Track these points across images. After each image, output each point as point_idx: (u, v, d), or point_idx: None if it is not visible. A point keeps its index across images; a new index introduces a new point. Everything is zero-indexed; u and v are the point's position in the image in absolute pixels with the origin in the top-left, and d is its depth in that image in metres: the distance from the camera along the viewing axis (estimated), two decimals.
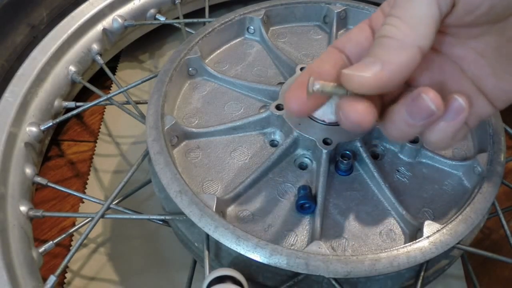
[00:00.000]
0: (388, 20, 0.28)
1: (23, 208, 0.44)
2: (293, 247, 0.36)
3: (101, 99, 0.51)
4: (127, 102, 0.51)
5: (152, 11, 0.62)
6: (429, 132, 0.30)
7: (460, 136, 0.31)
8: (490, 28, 0.29)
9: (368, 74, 0.27)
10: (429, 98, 0.28)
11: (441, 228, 0.36)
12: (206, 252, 0.37)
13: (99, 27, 0.58)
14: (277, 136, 0.43)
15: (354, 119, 0.29)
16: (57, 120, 0.51)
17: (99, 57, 0.57)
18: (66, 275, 0.47)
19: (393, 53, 0.27)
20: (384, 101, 0.32)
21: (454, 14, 0.28)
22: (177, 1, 0.63)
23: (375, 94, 0.28)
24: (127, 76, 0.66)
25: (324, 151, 0.39)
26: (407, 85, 0.32)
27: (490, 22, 0.28)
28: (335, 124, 0.40)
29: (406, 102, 0.29)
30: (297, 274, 0.36)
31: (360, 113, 0.28)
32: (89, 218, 0.46)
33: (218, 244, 0.37)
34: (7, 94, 0.48)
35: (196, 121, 0.45)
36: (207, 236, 0.37)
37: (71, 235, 0.47)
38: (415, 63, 0.27)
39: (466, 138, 0.44)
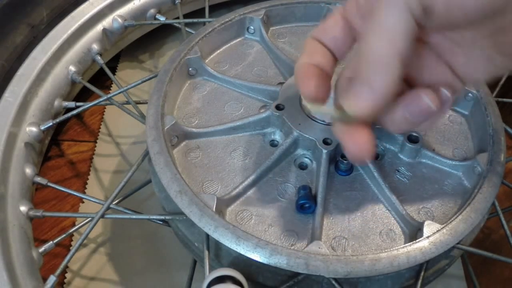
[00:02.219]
0: (366, 36, 0.28)
1: (23, 208, 0.44)
2: (293, 247, 0.36)
3: (101, 99, 0.51)
4: (127, 102, 0.51)
5: (152, 11, 0.62)
6: None
7: (438, 119, 0.34)
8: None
9: (364, 105, 0.28)
10: (428, 98, 0.29)
11: (441, 228, 0.36)
12: (206, 252, 0.37)
13: (99, 27, 0.58)
14: (277, 136, 0.43)
15: (353, 151, 0.31)
16: (57, 120, 0.51)
17: (99, 57, 0.57)
18: (66, 275, 0.47)
19: (377, 74, 0.28)
20: None
21: (432, 21, 0.28)
22: (177, 1, 0.63)
23: (372, 117, 0.30)
24: (127, 76, 0.66)
25: (324, 151, 0.39)
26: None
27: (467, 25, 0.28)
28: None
29: (405, 101, 0.30)
30: (297, 274, 0.36)
31: (359, 145, 0.30)
32: (89, 218, 0.46)
33: (218, 244, 0.37)
34: (7, 94, 0.48)
35: (196, 121, 0.45)
36: (207, 236, 0.37)
37: (71, 235, 0.47)
38: (399, 73, 0.28)
39: (466, 138, 0.44)
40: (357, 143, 0.30)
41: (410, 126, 0.31)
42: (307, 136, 0.40)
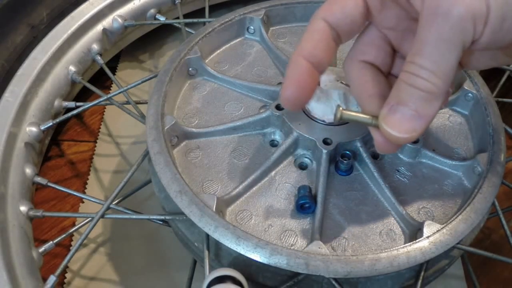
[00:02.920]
0: (416, 70, 0.28)
1: (23, 208, 0.44)
2: (293, 247, 0.36)
3: (101, 99, 0.51)
4: (127, 102, 0.51)
5: (152, 11, 0.62)
6: None
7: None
8: None
9: (413, 134, 0.29)
10: None
11: (441, 228, 0.36)
12: (206, 252, 0.37)
13: (99, 27, 0.58)
14: (277, 136, 0.43)
15: (383, 146, 0.32)
16: (57, 120, 0.51)
17: (99, 57, 0.57)
18: (66, 275, 0.47)
19: (430, 106, 0.29)
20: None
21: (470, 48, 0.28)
22: (177, 1, 0.63)
23: None
24: (127, 76, 0.66)
25: (324, 151, 0.39)
26: (394, 51, 0.34)
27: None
28: (335, 124, 0.40)
29: None
30: (297, 274, 0.36)
31: (389, 146, 0.32)
32: (89, 218, 0.46)
33: (218, 244, 0.37)
34: (7, 94, 0.48)
35: (196, 121, 0.45)
36: (207, 236, 0.37)
37: (71, 235, 0.47)
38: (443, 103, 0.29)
39: (466, 138, 0.44)
40: (386, 141, 0.31)
41: None
42: (307, 136, 0.40)
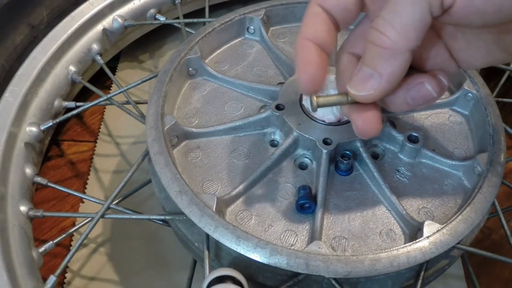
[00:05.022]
0: (379, 24, 0.28)
1: (23, 208, 0.44)
2: (293, 247, 0.36)
3: (101, 99, 0.51)
4: (127, 102, 0.51)
5: (152, 11, 0.62)
6: None
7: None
8: None
9: (370, 92, 0.30)
10: (432, 87, 0.30)
11: (441, 228, 0.36)
12: (206, 252, 0.37)
13: (99, 27, 0.58)
14: (277, 136, 0.43)
15: (363, 129, 0.32)
16: (57, 120, 0.51)
17: (99, 57, 0.57)
18: (66, 275, 0.47)
19: (387, 63, 0.29)
20: None
21: (447, 18, 0.28)
22: (177, 1, 0.63)
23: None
24: (127, 76, 0.66)
25: (324, 151, 0.39)
26: None
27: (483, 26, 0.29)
28: (335, 124, 0.40)
29: (408, 87, 0.31)
30: (297, 274, 0.36)
31: (367, 123, 0.31)
32: (89, 218, 0.46)
33: (218, 244, 0.37)
34: (7, 94, 0.48)
35: (196, 121, 0.45)
36: (207, 236, 0.37)
37: (71, 235, 0.47)
38: (408, 63, 0.29)
39: (466, 138, 0.44)
40: (365, 121, 0.31)
41: (409, 108, 0.32)
42: (307, 136, 0.40)
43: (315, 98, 0.32)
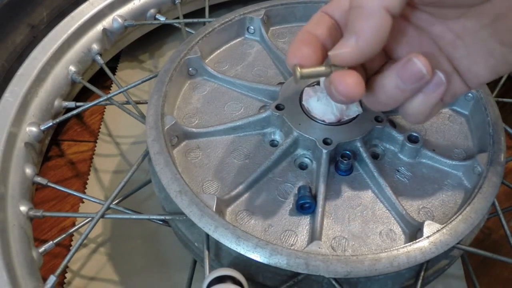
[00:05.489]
0: None
1: (23, 208, 0.44)
2: (293, 247, 0.36)
3: (101, 99, 0.51)
4: (127, 102, 0.51)
5: (152, 11, 0.62)
6: (408, 104, 0.32)
7: (435, 111, 0.33)
8: (468, 11, 0.29)
9: (347, 49, 0.29)
10: (420, 62, 0.29)
11: (441, 228, 0.36)
12: (206, 252, 0.37)
13: (99, 27, 0.58)
14: (277, 136, 0.43)
15: (344, 91, 0.30)
16: (57, 120, 0.51)
17: (99, 57, 0.57)
18: (66, 275, 0.47)
19: (362, 21, 0.29)
20: (367, 74, 0.33)
21: None
22: (177, 1, 0.63)
23: (358, 64, 0.31)
24: (127, 76, 0.66)
25: (324, 151, 0.39)
26: (388, 57, 0.33)
27: (460, 6, 0.29)
28: (335, 124, 0.40)
29: (397, 67, 0.30)
30: (297, 274, 0.36)
31: (349, 85, 0.30)
32: (89, 218, 0.46)
33: (218, 244, 0.37)
34: (7, 94, 0.48)
35: (196, 121, 0.45)
36: (207, 236, 0.37)
37: (71, 235, 0.47)
38: (387, 26, 0.28)
39: (466, 138, 0.44)
40: (346, 83, 0.30)
41: (400, 94, 0.31)
42: (307, 136, 0.40)
43: (298, 68, 0.31)
